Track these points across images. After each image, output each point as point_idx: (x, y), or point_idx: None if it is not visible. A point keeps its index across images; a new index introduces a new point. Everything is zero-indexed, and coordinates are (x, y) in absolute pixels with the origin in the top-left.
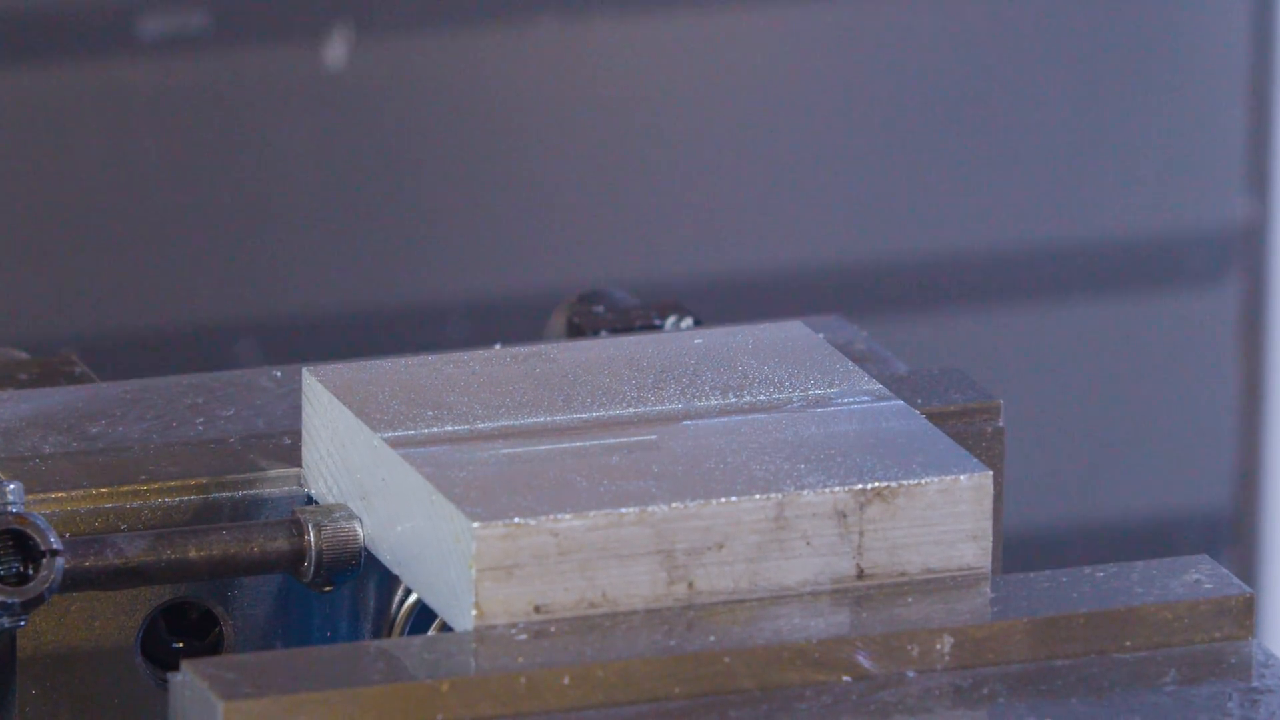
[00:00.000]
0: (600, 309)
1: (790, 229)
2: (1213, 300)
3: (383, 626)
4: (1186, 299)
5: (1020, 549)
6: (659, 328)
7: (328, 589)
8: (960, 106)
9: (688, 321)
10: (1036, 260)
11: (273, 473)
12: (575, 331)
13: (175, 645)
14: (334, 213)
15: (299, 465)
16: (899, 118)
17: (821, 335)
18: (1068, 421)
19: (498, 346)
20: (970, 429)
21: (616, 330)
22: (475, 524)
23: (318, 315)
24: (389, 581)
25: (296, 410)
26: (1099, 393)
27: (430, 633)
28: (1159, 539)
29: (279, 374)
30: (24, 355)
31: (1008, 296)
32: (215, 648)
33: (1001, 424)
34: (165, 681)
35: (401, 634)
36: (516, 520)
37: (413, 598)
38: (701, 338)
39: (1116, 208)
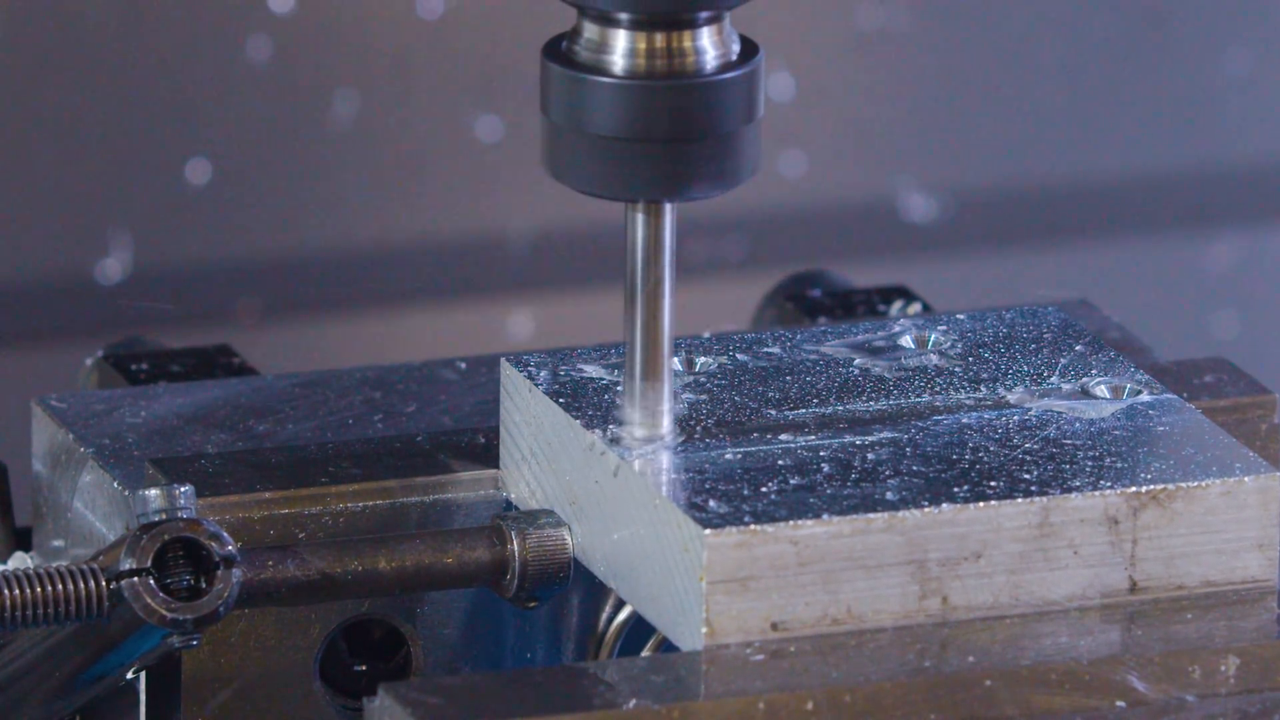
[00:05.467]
0: (817, 292)
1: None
2: None
3: (588, 647)
4: None
5: None
6: (884, 314)
7: (532, 604)
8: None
9: (916, 306)
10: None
11: (466, 475)
12: (787, 318)
13: (358, 668)
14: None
15: (495, 466)
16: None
17: (1082, 323)
18: None
19: (707, 333)
20: (1243, 425)
21: (836, 317)
22: (706, 531)
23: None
24: (592, 596)
25: (487, 405)
26: None
27: (646, 652)
28: None
29: (463, 365)
30: (170, 344)
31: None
32: (401, 672)
33: (1278, 420)
34: (347, 708)
35: (611, 655)
36: (752, 527)
37: (624, 614)
38: (946, 323)
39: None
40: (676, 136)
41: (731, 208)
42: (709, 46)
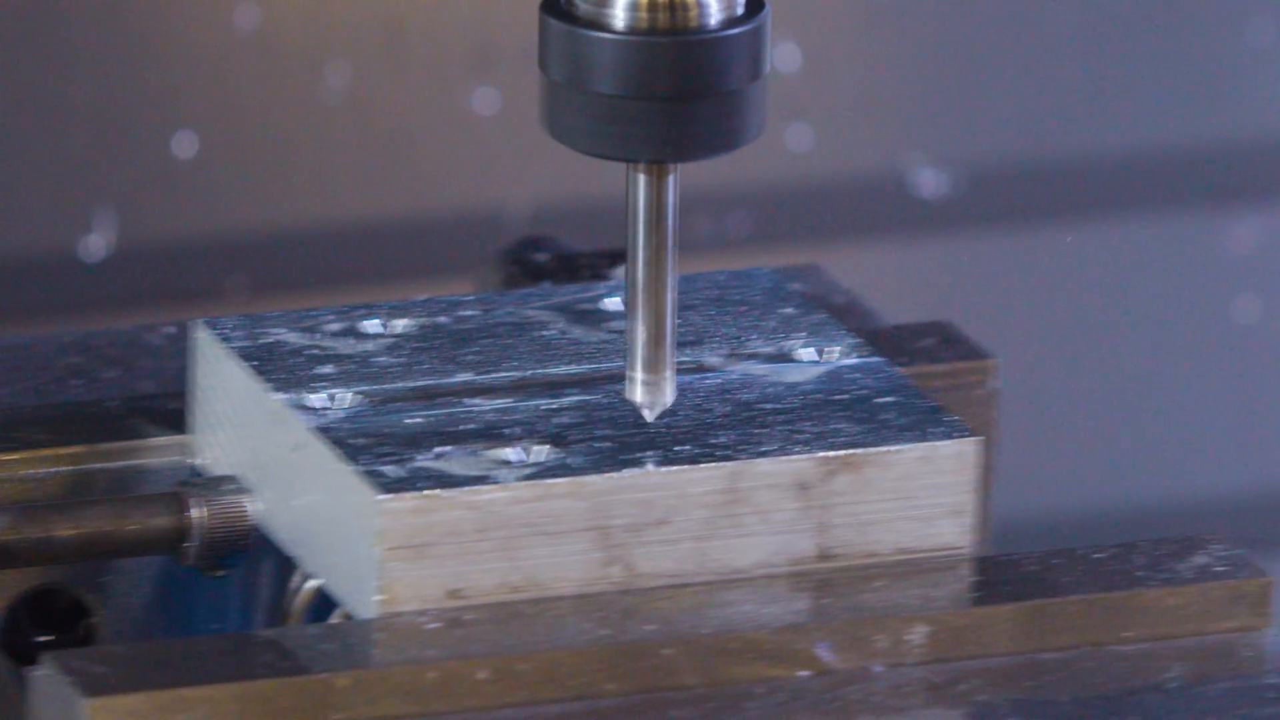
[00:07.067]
0: (543, 257)
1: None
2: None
3: (279, 617)
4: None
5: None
6: (607, 277)
7: (216, 573)
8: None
9: None
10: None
11: (156, 440)
12: (514, 281)
13: (39, 639)
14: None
15: (188, 432)
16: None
17: (794, 285)
18: (1072, 379)
19: (423, 297)
20: (959, 390)
21: (559, 280)
22: (381, 496)
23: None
24: (285, 565)
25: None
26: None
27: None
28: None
29: (173, 329)
30: None
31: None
32: (85, 642)
33: (997, 385)
34: (27, 680)
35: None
36: (428, 492)
37: (312, 583)
38: None
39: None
40: (680, 94)
41: (736, 183)
42: (713, 1)
